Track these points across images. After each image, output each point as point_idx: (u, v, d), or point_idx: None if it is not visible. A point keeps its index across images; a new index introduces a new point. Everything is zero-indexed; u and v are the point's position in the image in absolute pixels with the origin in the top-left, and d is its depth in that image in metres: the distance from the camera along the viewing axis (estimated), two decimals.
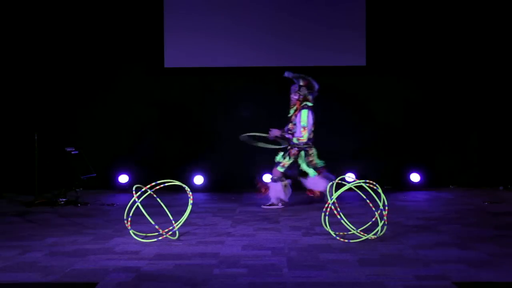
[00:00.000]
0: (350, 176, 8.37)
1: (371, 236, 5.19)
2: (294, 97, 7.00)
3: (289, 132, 7.10)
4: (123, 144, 9.28)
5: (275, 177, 7.15)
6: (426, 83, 9.25)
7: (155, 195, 5.43)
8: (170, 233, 5.35)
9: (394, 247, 4.90)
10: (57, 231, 5.76)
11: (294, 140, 7.04)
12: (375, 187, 5.22)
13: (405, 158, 9.22)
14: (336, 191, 5.25)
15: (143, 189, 5.23)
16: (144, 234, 5.39)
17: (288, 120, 7.17)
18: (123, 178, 9.13)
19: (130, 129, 9.30)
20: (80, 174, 8.08)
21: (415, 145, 9.28)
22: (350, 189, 5.36)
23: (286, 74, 7.09)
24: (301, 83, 6.95)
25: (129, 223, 5.30)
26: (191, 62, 9.20)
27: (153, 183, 5.29)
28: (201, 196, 8.45)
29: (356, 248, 4.89)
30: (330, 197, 5.22)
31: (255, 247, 4.95)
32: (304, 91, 6.94)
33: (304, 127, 6.96)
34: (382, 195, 5.25)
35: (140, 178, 8.68)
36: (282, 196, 7.17)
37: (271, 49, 9.06)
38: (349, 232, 5.34)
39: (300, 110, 6.99)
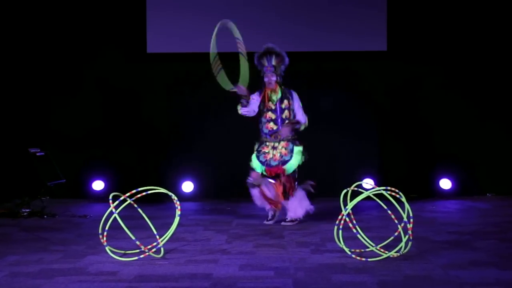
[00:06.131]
0: (368, 183, 8.37)
1: (393, 253, 5.18)
2: (272, 78, 6.90)
3: (292, 121, 6.99)
4: (98, 144, 9.28)
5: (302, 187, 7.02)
6: (457, 72, 9.26)
7: (135, 205, 5.43)
8: (153, 250, 5.34)
9: (421, 267, 4.90)
10: (19, 247, 5.75)
11: (302, 128, 7.03)
12: (397, 196, 5.22)
13: (433, 161, 9.23)
14: (351, 200, 5.24)
15: (121, 198, 5.22)
16: (122, 252, 5.39)
17: (278, 111, 6.91)
18: (98, 185, 9.13)
19: (106, 126, 9.30)
20: (46, 180, 8.08)
21: (446, 145, 9.28)
22: (368, 197, 5.35)
23: (256, 61, 6.98)
24: (274, 62, 6.93)
25: (104, 238, 5.29)
26: (178, 47, 9.21)
27: (134, 191, 5.28)
28: (190, 206, 8.45)
29: (375, 268, 4.89)
30: (345, 207, 5.21)
31: (255, 267, 4.95)
32: (279, 69, 6.94)
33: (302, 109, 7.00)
34: (406, 205, 5.24)
35: (118, 184, 8.69)
36: (308, 203, 7.02)
37: (274, 31, 9.05)
38: (367, 249, 5.34)
39: (289, 92, 6.97)
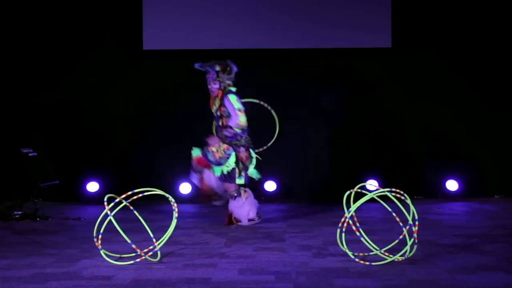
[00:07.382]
0: (372, 184, 8.37)
1: (397, 257, 5.18)
2: (214, 86, 7.12)
3: (225, 127, 7.07)
4: (92, 144, 9.27)
5: (233, 193, 7.09)
6: (464, 70, 9.26)
7: (131, 207, 5.42)
8: (150, 253, 5.34)
9: (426, 271, 4.90)
10: (11, 251, 5.75)
11: (236, 129, 7.05)
12: (402, 197, 5.21)
13: (440, 161, 9.22)
14: (355, 202, 5.24)
15: (116, 200, 5.22)
16: (118, 255, 5.39)
17: (215, 117, 7.17)
18: (92, 186, 9.12)
19: (101, 126, 9.30)
20: (39, 181, 8.07)
21: (452, 145, 9.27)
22: (372, 199, 5.35)
23: (196, 65, 7.17)
24: (217, 69, 7.06)
25: (99, 241, 5.29)
26: (175, 44, 9.22)
27: (129, 192, 5.27)
28: (188, 208, 8.45)
29: (379, 272, 4.88)
30: (348, 209, 5.21)
31: (255, 271, 4.95)
32: (222, 76, 7.05)
33: (239, 109, 7.03)
34: (412, 207, 5.24)
35: (113, 186, 8.67)
36: (254, 209, 7.14)
37: (275, 27, 9.06)
38: (371, 253, 5.34)
39: (224, 97, 7.05)
